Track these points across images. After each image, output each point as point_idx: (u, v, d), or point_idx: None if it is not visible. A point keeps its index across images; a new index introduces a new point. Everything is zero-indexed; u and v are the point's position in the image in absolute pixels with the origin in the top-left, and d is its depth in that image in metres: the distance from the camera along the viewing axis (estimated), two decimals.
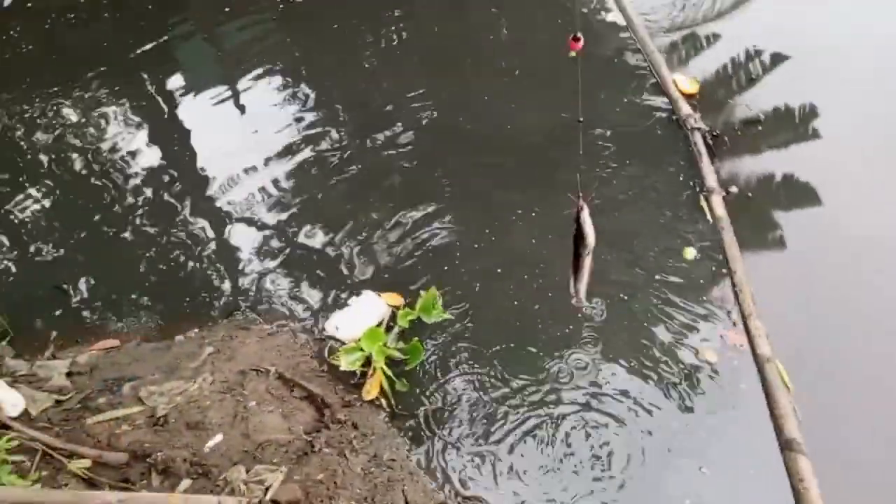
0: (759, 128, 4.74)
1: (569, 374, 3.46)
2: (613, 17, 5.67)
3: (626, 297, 3.79)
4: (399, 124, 4.84)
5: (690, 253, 4.02)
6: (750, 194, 4.35)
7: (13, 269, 4.09)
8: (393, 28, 5.76)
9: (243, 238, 4.24)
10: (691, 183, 4.37)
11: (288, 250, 4.14)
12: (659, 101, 4.90)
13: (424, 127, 4.83)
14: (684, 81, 4.94)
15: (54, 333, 3.58)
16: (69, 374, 3.20)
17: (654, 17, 5.70)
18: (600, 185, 4.36)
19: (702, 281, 3.88)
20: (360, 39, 5.64)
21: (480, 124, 4.84)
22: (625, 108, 4.90)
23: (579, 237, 2.55)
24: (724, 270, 3.91)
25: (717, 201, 4.23)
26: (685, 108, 4.71)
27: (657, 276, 3.89)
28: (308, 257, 4.10)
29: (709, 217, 4.17)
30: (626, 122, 4.79)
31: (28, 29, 5.74)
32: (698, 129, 4.56)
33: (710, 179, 4.33)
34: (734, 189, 4.34)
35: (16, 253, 4.18)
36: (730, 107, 4.96)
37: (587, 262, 2.64)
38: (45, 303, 3.83)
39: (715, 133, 4.59)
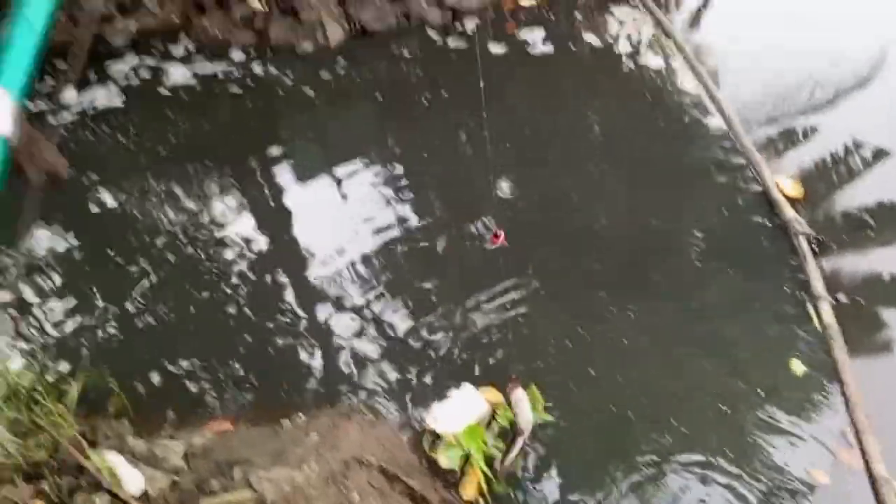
0: (869, 232, 4.63)
1: (669, 493, 3.38)
2: (714, 117, 5.73)
3: (727, 410, 3.69)
4: (489, 216, 4.98)
5: (797, 364, 3.90)
6: (861, 300, 4.22)
7: (129, 348, 4.34)
8: (487, 122, 5.98)
9: (344, 324, 4.39)
10: (797, 289, 4.28)
11: (386, 338, 4.26)
12: (761, 203, 4.87)
13: (515, 220, 4.94)
14: (788, 184, 4.90)
15: (171, 414, 3.78)
16: (186, 456, 3.35)
17: (749, 110, 5.73)
18: (698, 289, 4.33)
19: (810, 394, 3.76)
20: (454, 131, 5.88)
21: (571, 221, 4.92)
22: (725, 210, 4.88)
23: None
24: (835, 383, 3.77)
25: (826, 309, 4.12)
26: (789, 211, 4.66)
27: (760, 389, 3.78)
28: (406, 345, 4.20)
29: (817, 325, 4.06)
30: (726, 224, 4.78)
31: (148, 117, 6.24)
32: (803, 233, 4.49)
33: (818, 286, 4.23)
34: (843, 295, 4.23)
35: (130, 331, 4.44)
36: (834, 207, 4.87)
37: (518, 442, 2.59)
38: (159, 382, 4.05)
39: (820, 238, 4.51)
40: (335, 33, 6.75)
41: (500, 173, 5.30)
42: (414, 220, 5.06)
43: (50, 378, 3.74)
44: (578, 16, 6.98)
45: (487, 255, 4.69)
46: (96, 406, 3.70)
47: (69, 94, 6.34)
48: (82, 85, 6.40)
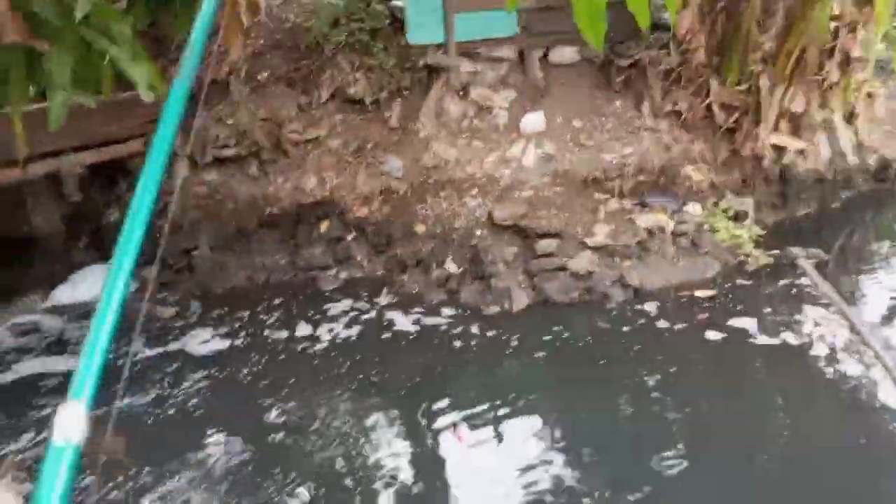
0: None
1: None
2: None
3: None
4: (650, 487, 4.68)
5: None
6: None
7: None
8: (657, 397, 5.84)
9: None
10: None
11: None
12: None
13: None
14: None
15: None
16: None
17: None
18: None
19: None
20: (623, 398, 5.79)
21: None
22: None
23: None
24: None
25: None
26: None
27: None
28: None
29: None
30: None
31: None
32: None
33: None
34: None
35: None
36: None
37: None
38: None
39: None
40: (520, 301, 7.17)
41: (668, 448, 5.09)
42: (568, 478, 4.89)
43: None
44: (767, 309, 6.92)
45: None
46: None
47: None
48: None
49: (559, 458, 5.17)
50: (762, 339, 6.43)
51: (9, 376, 6.54)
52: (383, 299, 7.50)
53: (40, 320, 7.51)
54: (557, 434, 5.45)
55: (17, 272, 8.04)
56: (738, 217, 8.18)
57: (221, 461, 5.30)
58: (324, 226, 8.23)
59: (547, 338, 6.75)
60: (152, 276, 2.76)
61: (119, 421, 1.41)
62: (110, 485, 4.91)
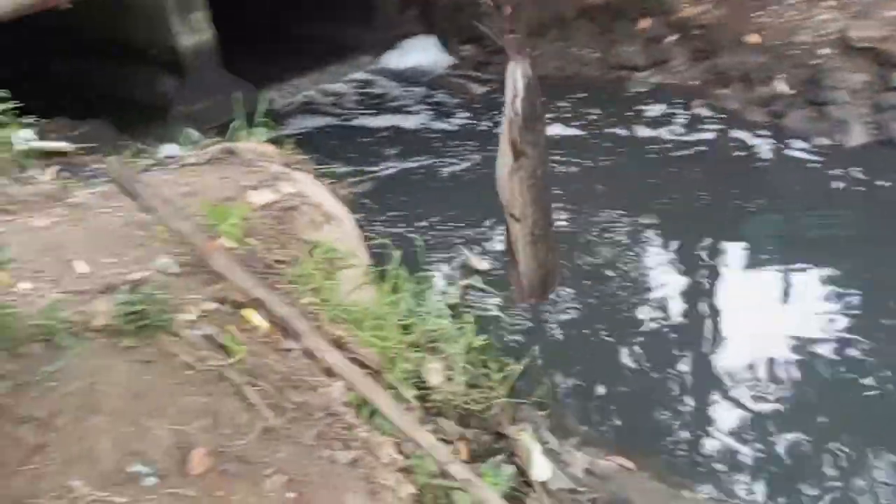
0: None
1: None
2: None
3: None
4: None
5: None
6: None
7: (565, 355, 4.68)
8: None
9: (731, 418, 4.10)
10: None
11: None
12: None
13: None
14: None
15: (584, 428, 3.99)
16: (585, 472, 3.50)
17: None
18: None
19: None
20: None
21: None
22: None
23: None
24: None
25: None
26: None
27: None
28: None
29: None
30: None
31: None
32: None
33: None
34: None
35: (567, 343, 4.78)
36: None
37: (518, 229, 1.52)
38: (580, 394, 4.31)
39: None
40: (858, 136, 6.28)
41: None
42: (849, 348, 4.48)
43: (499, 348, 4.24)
44: None
45: None
46: (522, 391, 4.08)
47: None
48: None
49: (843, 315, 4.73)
50: None
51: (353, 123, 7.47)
52: (696, 110, 7.04)
53: (372, 79, 8.33)
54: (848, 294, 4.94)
55: (353, 33, 8.84)
56: None
57: None
58: (644, 23, 7.73)
59: (881, 183, 5.91)
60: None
61: None
62: None
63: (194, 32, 7.49)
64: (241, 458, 2.06)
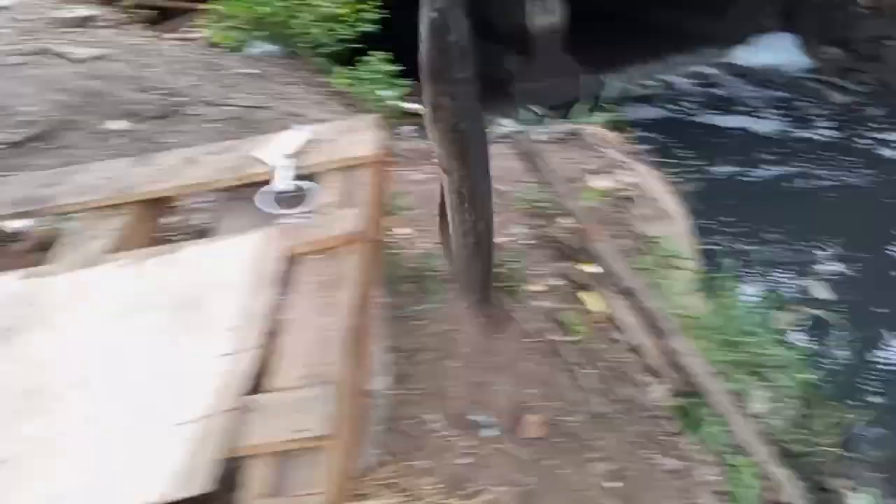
0: None
1: None
2: None
3: None
4: None
5: None
6: None
7: None
8: None
9: None
10: None
11: None
12: None
13: None
14: None
15: None
16: None
17: None
18: None
19: None
20: None
21: None
22: None
23: None
24: None
25: None
26: None
27: None
28: None
29: None
30: None
31: None
32: None
33: None
34: None
35: None
36: None
37: None
38: None
39: None
40: None
41: None
42: None
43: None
44: None
45: None
46: (852, 444, 3.59)
47: None
48: None
49: None
50: None
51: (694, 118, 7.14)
52: None
53: (716, 74, 7.86)
54: None
55: (702, 23, 8.36)
56: None
57: None
58: None
59: None
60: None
61: None
62: None
63: (546, 13, 7.74)
64: (571, 436, 2.09)
